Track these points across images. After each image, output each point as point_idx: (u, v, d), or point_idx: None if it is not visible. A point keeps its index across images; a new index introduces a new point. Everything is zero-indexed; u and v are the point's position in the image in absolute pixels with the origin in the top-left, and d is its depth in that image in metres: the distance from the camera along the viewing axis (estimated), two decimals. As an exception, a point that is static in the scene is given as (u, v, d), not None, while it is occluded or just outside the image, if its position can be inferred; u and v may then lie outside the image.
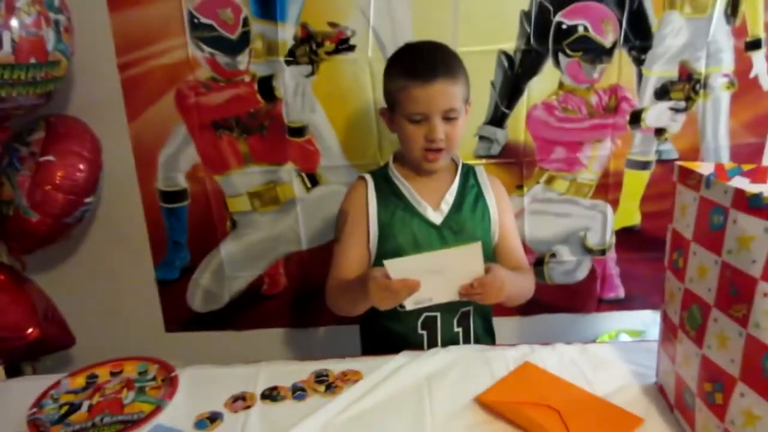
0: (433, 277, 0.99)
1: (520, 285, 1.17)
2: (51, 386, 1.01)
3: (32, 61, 1.06)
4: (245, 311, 1.69)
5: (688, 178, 0.84)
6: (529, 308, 1.69)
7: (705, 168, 0.85)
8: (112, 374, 1.06)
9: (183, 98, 1.49)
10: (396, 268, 0.97)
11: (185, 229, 1.62)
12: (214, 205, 1.59)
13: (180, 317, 1.69)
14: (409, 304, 1.02)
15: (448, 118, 1.09)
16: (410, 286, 0.98)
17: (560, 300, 1.70)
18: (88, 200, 1.31)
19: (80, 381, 1.04)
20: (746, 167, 0.87)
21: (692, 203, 0.83)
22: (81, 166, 1.27)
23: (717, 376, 0.77)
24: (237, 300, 1.68)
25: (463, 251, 1.00)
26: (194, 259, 1.65)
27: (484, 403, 0.93)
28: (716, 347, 0.77)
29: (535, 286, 1.24)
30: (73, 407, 0.97)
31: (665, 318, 0.94)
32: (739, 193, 0.72)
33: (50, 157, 1.20)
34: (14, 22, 1.00)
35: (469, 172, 1.24)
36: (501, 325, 1.33)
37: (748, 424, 0.72)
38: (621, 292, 1.71)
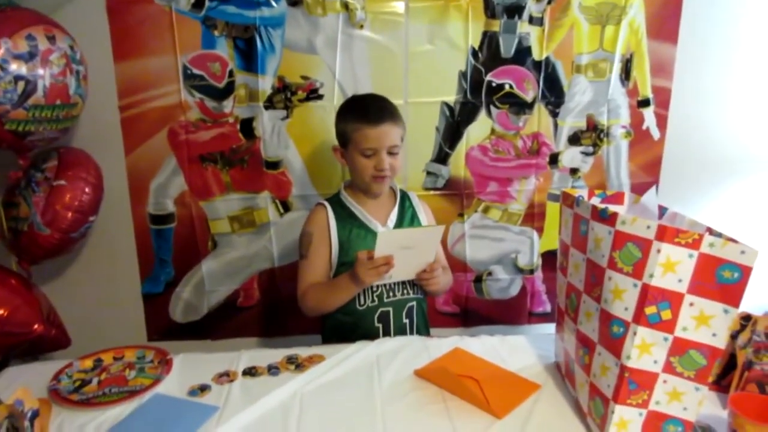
0: (403, 254, 1.28)
1: (447, 280, 1.52)
2: (65, 366, 1.21)
3: (57, 102, 1.30)
4: (221, 322, 1.88)
5: (567, 199, 1.13)
6: (469, 320, 1.97)
7: (580, 194, 1.15)
8: (115, 359, 1.27)
9: (175, 135, 1.72)
10: (382, 238, 1.26)
11: (171, 248, 1.81)
12: (198, 227, 1.79)
13: (161, 327, 1.87)
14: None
15: (392, 153, 1.39)
16: (388, 261, 1.27)
17: (496, 313, 1.96)
18: (91, 219, 1.52)
19: (88, 363, 1.24)
20: (610, 192, 1.18)
21: (570, 218, 1.12)
22: (87, 190, 1.48)
23: (586, 343, 1.05)
24: (214, 312, 1.87)
25: (431, 230, 1.38)
26: (178, 275, 1.83)
27: (420, 374, 1.19)
28: (585, 322, 1.05)
29: (452, 282, 1.59)
30: (85, 382, 1.18)
31: (558, 308, 1.22)
32: (594, 208, 1.01)
33: (62, 182, 1.41)
34: (47, 72, 1.24)
35: (404, 196, 1.53)
36: (445, 334, 1.52)
37: (603, 374, 0.99)
38: (548, 307, 1.99)
